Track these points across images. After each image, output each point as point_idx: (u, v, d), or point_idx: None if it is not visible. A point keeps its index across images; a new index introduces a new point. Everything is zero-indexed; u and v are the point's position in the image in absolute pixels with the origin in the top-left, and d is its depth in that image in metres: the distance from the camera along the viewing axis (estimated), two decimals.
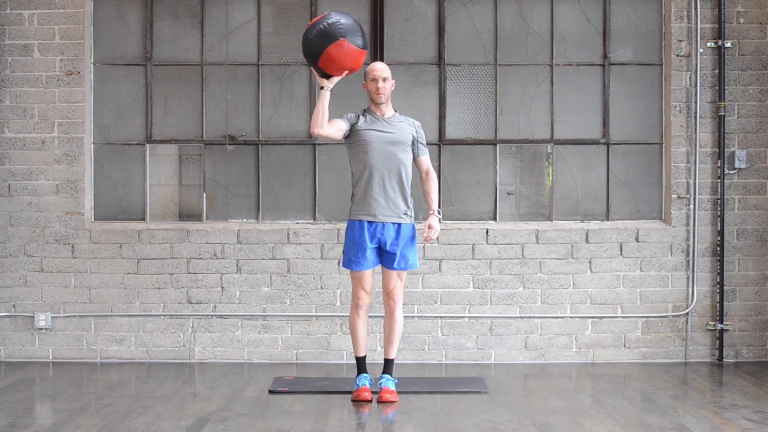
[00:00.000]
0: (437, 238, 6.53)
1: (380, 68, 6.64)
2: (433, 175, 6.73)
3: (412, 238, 6.65)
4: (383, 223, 6.59)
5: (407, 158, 6.64)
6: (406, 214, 6.63)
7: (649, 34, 8.18)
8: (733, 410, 6.30)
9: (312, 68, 6.55)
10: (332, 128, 6.53)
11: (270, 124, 8.20)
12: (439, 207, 6.62)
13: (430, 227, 6.57)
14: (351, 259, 6.62)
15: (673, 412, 6.26)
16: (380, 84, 6.57)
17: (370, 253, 6.60)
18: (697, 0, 7.96)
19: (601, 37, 8.18)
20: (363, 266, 6.61)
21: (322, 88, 6.48)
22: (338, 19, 6.36)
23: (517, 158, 8.22)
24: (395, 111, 6.74)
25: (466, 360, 8.00)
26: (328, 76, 6.46)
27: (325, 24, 6.33)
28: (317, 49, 6.36)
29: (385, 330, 6.72)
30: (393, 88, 6.69)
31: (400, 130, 6.63)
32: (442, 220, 6.58)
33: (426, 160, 6.74)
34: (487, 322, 8.02)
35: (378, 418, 6.24)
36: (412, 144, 6.67)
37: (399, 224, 6.61)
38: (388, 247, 6.59)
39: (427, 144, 8.09)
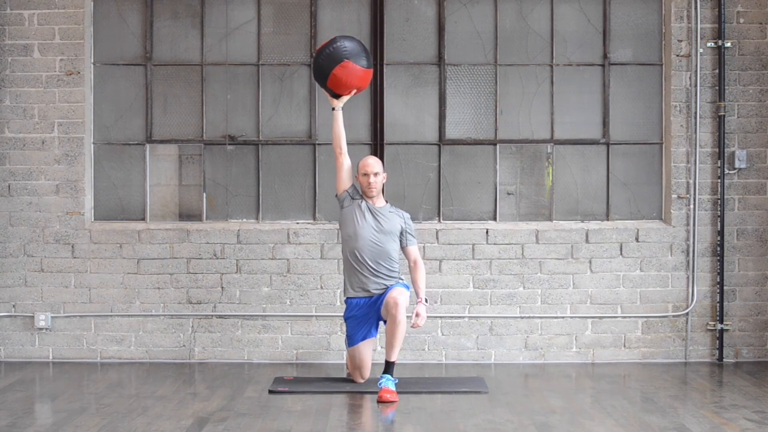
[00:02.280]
0: (420, 324, 6.92)
1: (371, 163, 7.06)
2: (421, 264, 7.07)
3: (406, 286, 6.99)
4: (378, 294, 6.97)
5: (394, 247, 7.04)
6: (398, 281, 7.03)
7: (649, 34, 8.18)
8: (733, 410, 6.30)
9: (324, 90, 7.07)
10: (346, 165, 7.02)
11: (270, 124, 8.20)
12: (426, 296, 7.02)
13: (417, 315, 6.85)
14: (349, 333, 7.06)
15: (673, 412, 6.26)
16: (371, 179, 7.01)
17: (364, 322, 6.99)
18: (697, 0, 7.96)
19: (601, 37, 8.18)
20: (354, 339, 7.00)
21: (333, 109, 7.00)
22: (342, 42, 6.90)
23: (517, 158, 8.21)
24: (386, 202, 7.16)
25: (466, 360, 8.00)
26: (338, 96, 6.98)
27: (330, 48, 6.90)
28: (325, 72, 6.89)
29: (387, 333, 6.80)
30: (384, 181, 7.14)
31: (389, 221, 7.04)
32: (427, 305, 6.96)
33: (414, 249, 7.11)
34: (487, 322, 8.02)
35: (378, 418, 6.24)
36: (401, 234, 7.06)
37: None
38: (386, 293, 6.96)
39: (428, 144, 8.12)
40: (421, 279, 6.99)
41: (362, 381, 7.07)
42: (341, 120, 6.98)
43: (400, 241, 7.05)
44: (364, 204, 7.01)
